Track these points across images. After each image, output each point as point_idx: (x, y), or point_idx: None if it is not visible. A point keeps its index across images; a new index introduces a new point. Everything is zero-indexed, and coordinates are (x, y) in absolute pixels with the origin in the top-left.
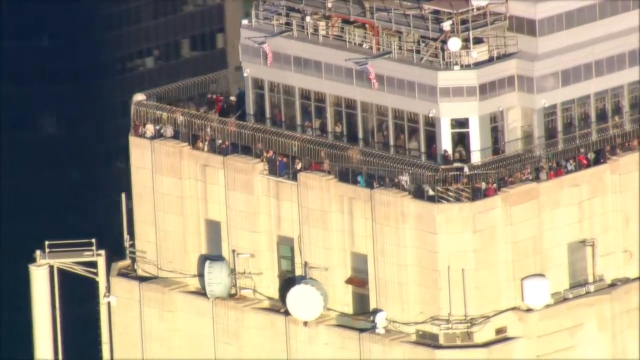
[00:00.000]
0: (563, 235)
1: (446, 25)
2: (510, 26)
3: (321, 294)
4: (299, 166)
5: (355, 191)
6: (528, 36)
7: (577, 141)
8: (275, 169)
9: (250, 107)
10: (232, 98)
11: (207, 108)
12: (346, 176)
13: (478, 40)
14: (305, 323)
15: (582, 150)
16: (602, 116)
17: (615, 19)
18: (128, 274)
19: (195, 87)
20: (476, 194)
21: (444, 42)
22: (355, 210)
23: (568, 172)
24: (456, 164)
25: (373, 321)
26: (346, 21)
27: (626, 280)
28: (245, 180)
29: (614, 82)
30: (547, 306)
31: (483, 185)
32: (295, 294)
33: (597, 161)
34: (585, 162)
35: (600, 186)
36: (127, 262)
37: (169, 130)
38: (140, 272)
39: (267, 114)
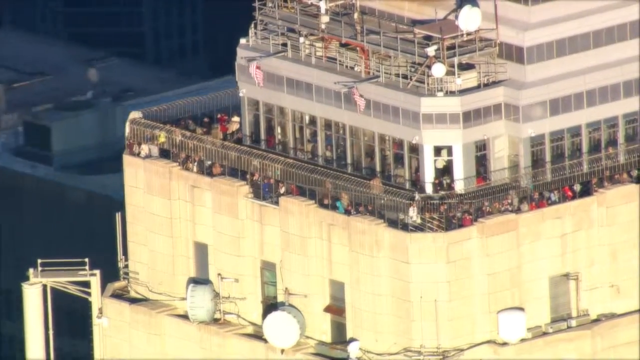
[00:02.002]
0: (544, 268)
1: (430, 51)
2: (500, 53)
3: (298, 321)
4: (282, 190)
5: (333, 217)
6: (517, 64)
7: (566, 172)
8: (260, 193)
9: (246, 127)
10: (235, 118)
11: (205, 127)
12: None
13: (469, 66)
14: (282, 351)
15: (569, 181)
16: (596, 147)
17: (610, 48)
18: (122, 295)
19: (201, 105)
20: (451, 224)
21: (429, 67)
22: (334, 237)
23: (552, 203)
24: (441, 193)
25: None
26: (343, 44)
27: (612, 316)
28: (230, 203)
29: (607, 113)
30: (524, 340)
31: (458, 215)
32: (272, 321)
33: (584, 193)
34: (570, 194)
35: (586, 219)
36: (123, 282)
37: (154, 149)
38: (132, 294)
39: (262, 135)
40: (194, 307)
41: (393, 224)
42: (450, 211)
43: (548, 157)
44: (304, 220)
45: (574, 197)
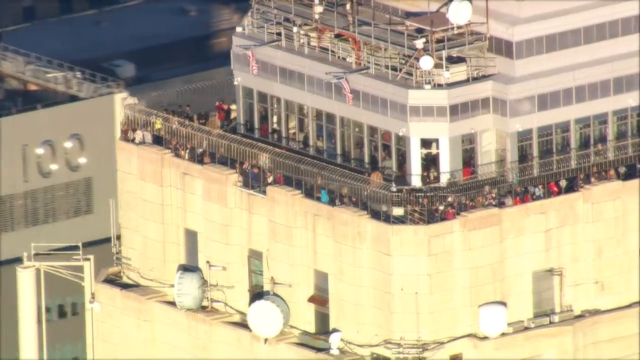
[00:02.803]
0: (527, 263)
1: (419, 43)
2: (490, 47)
3: (282, 311)
4: (270, 179)
5: (318, 208)
6: (506, 58)
7: (553, 167)
8: (249, 181)
9: (240, 116)
10: (233, 107)
11: (202, 116)
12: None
13: (459, 60)
14: (266, 340)
15: (556, 177)
16: (586, 144)
17: (601, 44)
18: (115, 280)
19: (196, 92)
20: (434, 217)
21: (418, 59)
22: (318, 228)
23: (537, 198)
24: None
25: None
26: (337, 35)
27: (596, 312)
28: (219, 191)
29: (597, 109)
30: (505, 335)
31: (441, 208)
32: (256, 310)
33: (570, 189)
34: (555, 189)
35: (571, 215)
36: (117, 268)
37: (148, 136)
38: (125, 280)
39: (256, 124)
40: (181, 294)
41: (376, 215)
42: (433, 204)
43: (535, 152)
44: (289, 210)
45: (559, 193)
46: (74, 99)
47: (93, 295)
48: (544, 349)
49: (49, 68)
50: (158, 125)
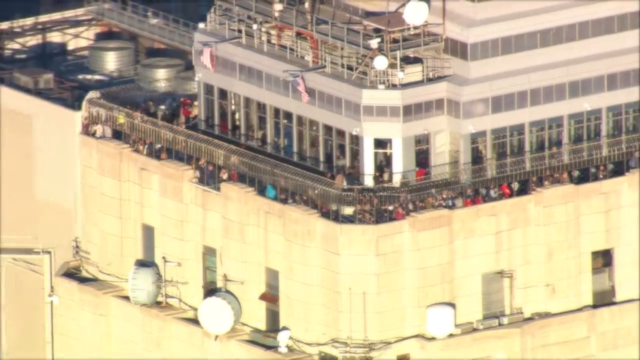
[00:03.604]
0: (477, 265)
1: (373, 43)
2: (446, 48)
3: (232, 308)
4: (224, 176)
5: (270, 205)
6: (461, 60)
7: (507, 169)
8: (204, 178)
9: (201, 112)
10: (196, 103)
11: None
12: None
13: (417, 60)
14: (216, 337)
15: (510, 179)
16: (542, 146)
17: (557, 48)
18: (75, 274)
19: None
20: (383, 217)
21: (372, 59)
22: (270, 225)
23: (491, 199)
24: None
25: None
26: (299, 33)
27: (546, 315)
28: (175, 187)
29: (552, 112)
30: (452, 336)
31: (390, 208)
32: (207, 307)
33: (522, 192)
34: (507, 191)
35: (522, 217)
36: (79, 262)
37: (108, 130)
38: (84, 274)
39: (216, 120)
40: (135, 289)
41: (326, 215)
42: (383, 204)
43: (489, 154)
44: (242, 207)
45: (511, 195)
46: None
47: (52, 289)
48: (492, 350)
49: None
50: (121, 120)
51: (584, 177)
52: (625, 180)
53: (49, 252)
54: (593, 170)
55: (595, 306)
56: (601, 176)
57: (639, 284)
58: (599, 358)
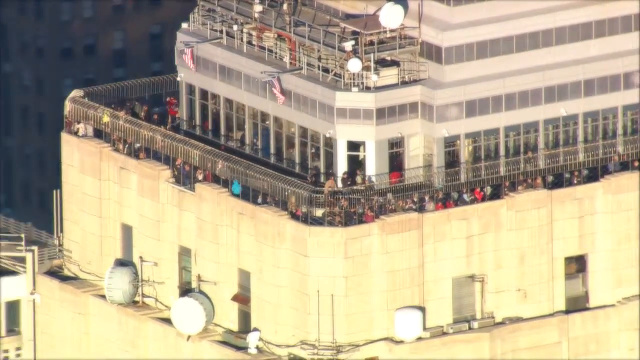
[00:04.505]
0: (447, 269)
1: (347, 46)
2: (422, 52)
3: (205, 308)
4: (200, 176)
5: (243, 207)
6: (436, 63)
7: (482, 173)
8: (181, 178)
9: (183, 112)
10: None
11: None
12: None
13: (394, 63)
14: (188, 337)
15: (484, 183)
16: (517, 151)
17: (534, 53)
18: (57, 272)
19: (146, 87)
20: (352, 220)
21: (347, 61)
22: (242, 226)
23: (464, 203)
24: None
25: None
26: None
27: (517, 320)
28: (152, 187)
29: (528, 117)
30: (421, 339)
31: (360, 211)
32: (179, 307)
33: (494, 196)
34: (479, 196)
35: (494, 222)
36: (61, 260)
37: (90, 129)
38: (66, 272)
39: (197, 121)
40: (111, 288)
41: (295, 217)
42: (352, 207)
43: (463, 158)
44: (216, 207)
45: (483, 200)
46: None
47: (34, 287)
48: (460, 354)
49: None
50: (105, 119)
51: (558, 182)
52: (600, 186)
53: (31, 250)
54: (567, 175)
55: (568, 311)
56: (575, 182)
57: (613, 290)
58: None
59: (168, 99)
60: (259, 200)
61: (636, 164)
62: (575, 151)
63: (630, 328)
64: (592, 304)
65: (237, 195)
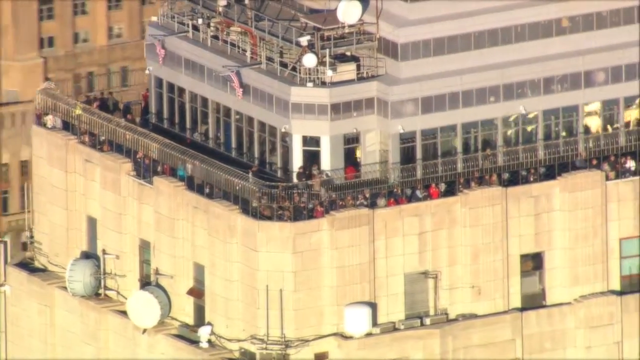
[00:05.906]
0: (399, 265)
1: (303, 41)
2: (380, 48)
3: (160, 302)
4: (159, 169)
5: (197, 201)
6: (392, 59)
7: (438, 170)
8: (142, 171)
9: (152, 105)
10: None
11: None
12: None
13: (353, 59)
14: (144, 330)
15: (440, 180)
16: (475, 148)
17: (493, 50)
18: (29, 264)
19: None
20: (301, 215)
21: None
22: (197, 220)
23: (417, 200)
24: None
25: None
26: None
27: (471, 317)
28: (114, 180)
29: (485, 114)
30: (371, 335)
31: (310, 206)
32: (135, 301)
33: (448, 193)
34: (435, 194)
35: (447, 218)
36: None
37: (58, 121)
38: (37, 264)
39: (165, 114)
40: (72, 280)
41: (246, 211)
42: (302, 202)
43: (419, 155)
44: (172, 201)
45: (438, 197)
46: None
47: (5, 278)
48: (411, 350)
49: None
50: (78, 112)
51: (513, 180)
52: (556, 184)
53: (3, 242)
54: (524, 173)
55: (523, 309)
56: (532, 179)
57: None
58: None
59: (143, 92)
60: (208, 191)
61: (594, 162)
62: (534, 149)
63: (587, 326)
64: (549, 301)
65: (182, 179)
